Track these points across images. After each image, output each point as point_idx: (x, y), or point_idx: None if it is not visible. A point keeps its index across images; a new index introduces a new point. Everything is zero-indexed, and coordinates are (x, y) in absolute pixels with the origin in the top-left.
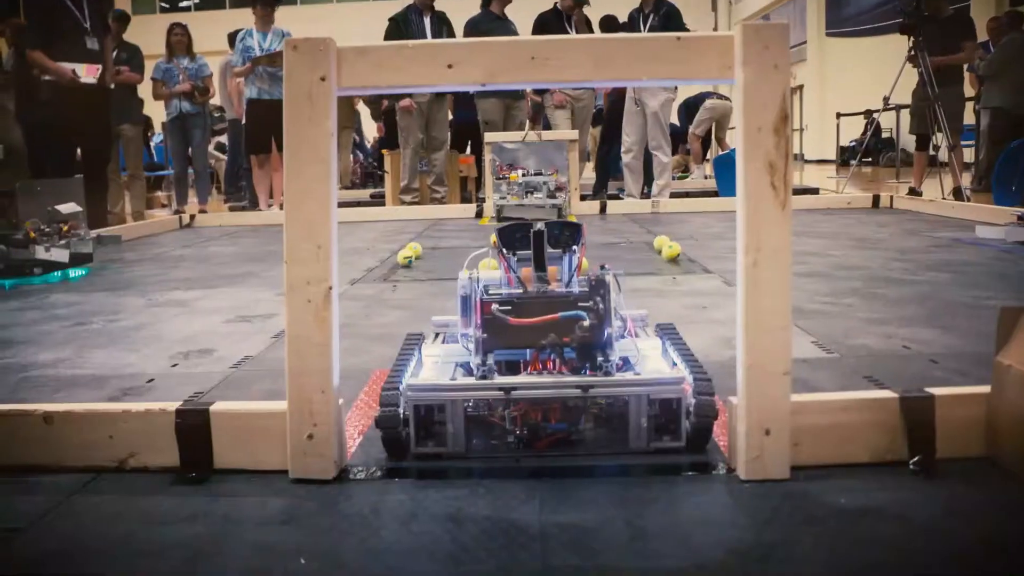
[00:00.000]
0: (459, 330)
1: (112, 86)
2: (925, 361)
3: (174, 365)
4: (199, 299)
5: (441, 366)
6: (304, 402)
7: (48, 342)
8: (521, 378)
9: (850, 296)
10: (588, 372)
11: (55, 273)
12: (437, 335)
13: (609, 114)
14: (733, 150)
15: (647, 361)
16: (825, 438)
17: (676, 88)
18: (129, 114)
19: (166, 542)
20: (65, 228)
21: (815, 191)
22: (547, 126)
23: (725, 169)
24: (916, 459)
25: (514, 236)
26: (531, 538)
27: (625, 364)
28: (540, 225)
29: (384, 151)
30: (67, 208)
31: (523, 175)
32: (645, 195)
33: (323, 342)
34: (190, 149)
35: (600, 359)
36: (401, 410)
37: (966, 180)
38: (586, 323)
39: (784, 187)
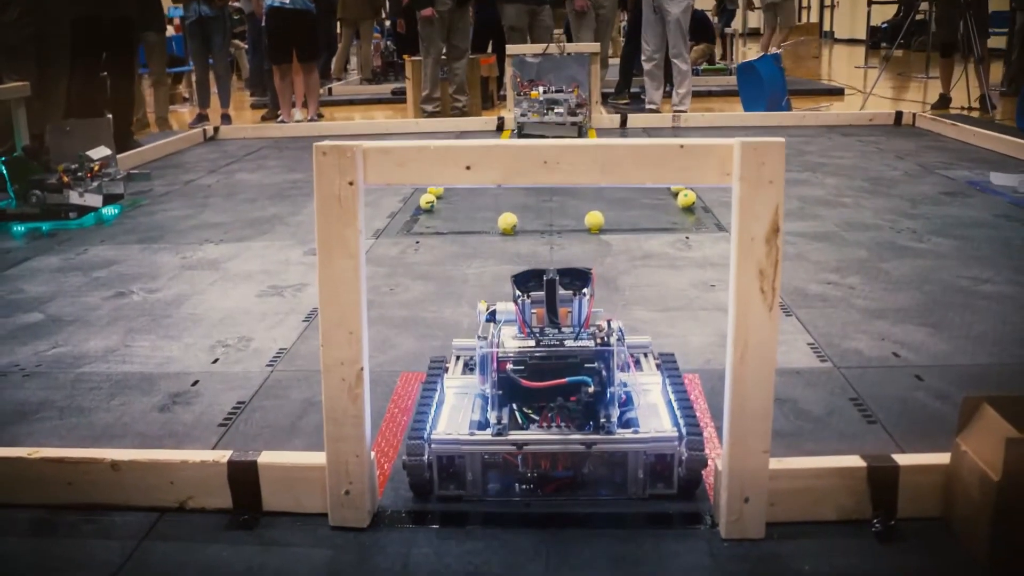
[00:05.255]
0: (477, 386)
1: None
2: (911, 377)
3: (214, 361)
4: (230, 259)
5: (462, 401)
6: (341, 464)
7: (95, 322)
8: (532, 434)
9: (854, 273)
10: (592, 428)
11: (89, 216)
12: (458, 358)
13: (634, 15)
14: (761, 57)
15: (646, 396)
16: (798, 500)
17: None
18: (150, 21)
19: None
20: (96, 168)
21: (839, 92)
22: (571, 35)
23: (748, 80)
24: (878, 520)
25: (528, 282)
26: None
27: (627, 400)
28: (552, 273)
29: (405, 56)
30: (98, 153)
31: (544, 92)
32: (667, 94)
33: (356, 414)
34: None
35: (603, 419)
36: (425, 457)
37: (996, 73)
38: (591, 389)
39: (772, 291)
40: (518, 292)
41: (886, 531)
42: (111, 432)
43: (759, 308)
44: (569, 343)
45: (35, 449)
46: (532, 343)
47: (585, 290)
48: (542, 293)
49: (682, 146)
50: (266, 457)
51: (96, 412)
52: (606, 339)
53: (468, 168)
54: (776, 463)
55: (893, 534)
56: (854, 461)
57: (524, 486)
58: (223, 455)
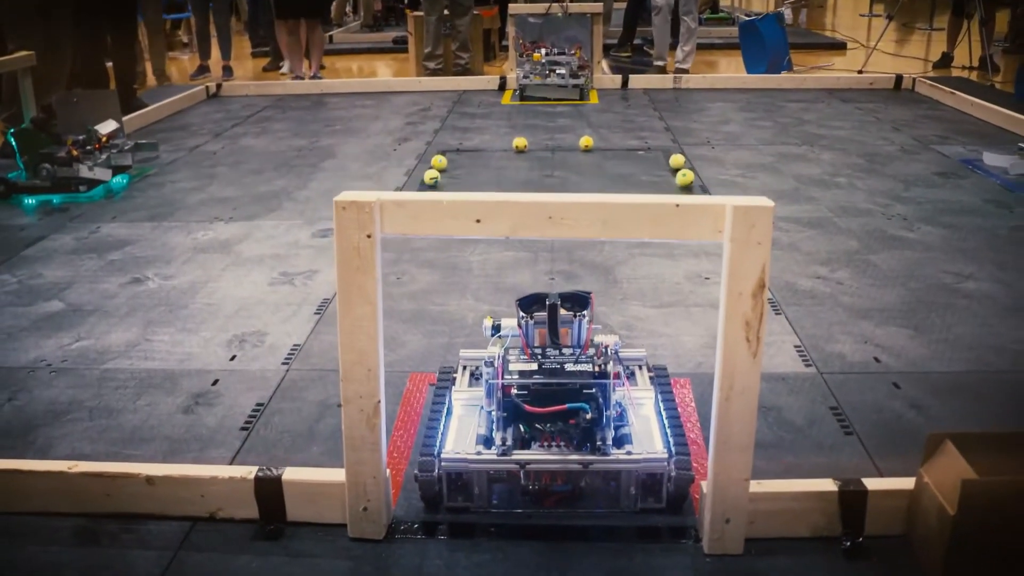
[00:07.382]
0: (483, 402)
1: None
2: (889, 385)
3: (232, 358)
4: (241, 240)
5: (469, 414)
6: (360, 485)
7: (114, 312)
8: (533, 454)
9: (843, 267)
10: (589, 449)
11: (99, 188)
12: (465, 367)
13: None
14: (763, 17)
15: (639, 410)
16: (775, 519)
17: None
18: None
19: None
20: (104, 139)
21: (842, 47)
22: None
23: (750, 40)
24: (847, 538)
25: (531, 305)
26: None
27: (621, 414)
28: (554, 298)
29: (408, 11)
30: (106, 127)
31: (546, 54)
32: (672, 46)
33: (374, 442)
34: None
35: (599, 441)
36: (435, 473)
37: (1002, 22)
38: (589, 415)
39: (757, 340)
40: (522, 314)
41: (854, 547)
42: (139, 435)
43: (744, 355)
44: (569, 367)
45: (74, 463)
46: (535, 365)
47: (584, 312)
48: (544, 314)
49: (678, 205)
50: (290, 474)
51: (123, 413)
52: (603, 366)
53: (478, 221)
54: (756, 486)
55: (860, 550)
56: (827, 485)
57: (526, 498)
58: (250, 471)
